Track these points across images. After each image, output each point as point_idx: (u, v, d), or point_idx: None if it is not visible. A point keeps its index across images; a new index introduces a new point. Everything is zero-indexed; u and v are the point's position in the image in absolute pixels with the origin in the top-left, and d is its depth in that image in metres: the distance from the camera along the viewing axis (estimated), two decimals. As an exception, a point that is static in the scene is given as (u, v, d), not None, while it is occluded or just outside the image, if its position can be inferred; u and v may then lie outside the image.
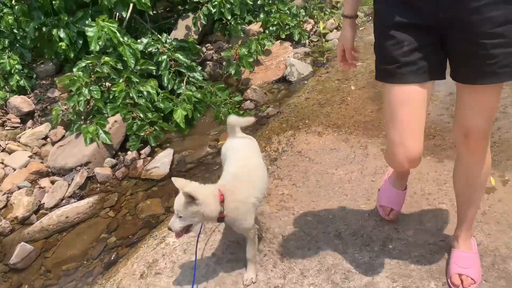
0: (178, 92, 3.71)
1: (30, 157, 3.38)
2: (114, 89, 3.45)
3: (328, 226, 2.14)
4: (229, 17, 4.33)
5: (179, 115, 3.42)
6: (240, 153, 2.00)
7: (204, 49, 4.52)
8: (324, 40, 4.61)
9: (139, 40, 3.79)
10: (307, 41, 4.64)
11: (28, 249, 2.52)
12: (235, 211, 1.74)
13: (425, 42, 1.38)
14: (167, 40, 3.91)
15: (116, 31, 3.51)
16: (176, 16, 4.70)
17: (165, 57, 3.76)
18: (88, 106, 3.50)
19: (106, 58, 3.50)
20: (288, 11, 4.63)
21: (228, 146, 2.09)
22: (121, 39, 3.53)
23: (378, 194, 2.17)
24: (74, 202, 2.89)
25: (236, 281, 1.92)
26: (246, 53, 4.02)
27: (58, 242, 2.60)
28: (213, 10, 4.28)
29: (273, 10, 4.58)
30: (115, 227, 2.64)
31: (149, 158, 3.26)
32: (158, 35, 3.98)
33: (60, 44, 3.84)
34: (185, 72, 3.82)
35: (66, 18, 3.82)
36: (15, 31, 4.18)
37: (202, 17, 4.34)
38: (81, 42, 3.92)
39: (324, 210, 2.25)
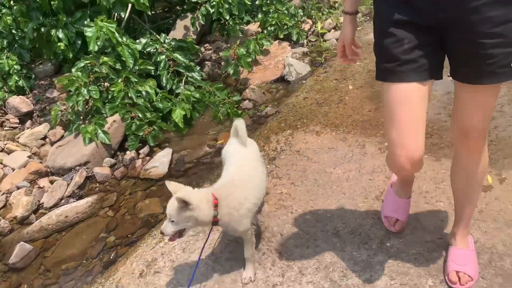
0: (177, 92, 3.72)
1: (29, 157, 3.38)
2: (112, 89, 3.46)
3: (326, 225, 2.15)
4: (227, 17, 4.35)
5: (177, 115, 3.43)
6: (239, 157, 1.99)
7: (202, 49, 4.53)
8: (322, 40, 4.63)
9: (137, 40, 3.80)
10: (305, 41, 4.66)
11: (27, 248, 2.53)
12: (228, 216, 1.73)
13: (425, 41, 1.38)
14: (166, 40, 3.92)
15: (114, 31, 3.51)
16: (175, 16, 4.71)
17: (163, 57, 3.77)
18: (87, 106, 3.50)
19: (105, 58, 3.51)
20: (286, 11, 4.65)
21: (228, 148, 2.09)
22: (119, 39, 3.54)
23: (382, 205, 2.12)
24: (73, 201, 2.90)
25: (235, 280, 1.93)
26: (245, 53, 4.03)
27: (57, 242, 2.61)
28: (212, 10, 4.30)
29: (271, 10, 4.59)
30: (114, 226, 2.65)
31: (148, 157, 3.27)
32: (157, 35, 3.99)
33: (58, 44, 3.85)
34: (183, 72, 3.83)
35: (64, 19, 3.82)
36: (13, 31, 4.18)
37: (200, 17, 4.35)
38: (79, 42, 3.92)
39: (322, 209, 2.26)
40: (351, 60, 1.67)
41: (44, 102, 4.10)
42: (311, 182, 2.48)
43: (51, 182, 3.11)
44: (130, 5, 3.93)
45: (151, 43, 3.83)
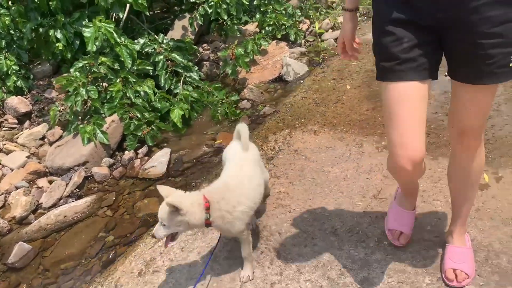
0: (175, 92, 3.73)
1: (28, 157, 3.39)
2: (111, 89, 3.46)
3: (324, 223, 2.16)
4: (225, 17, 4.36)
5: (176, 115, 3.44)
6: (237, 159, 1.98)
7: (200, 49, 4.54)
8: (319, 40, 4.64)
9: (136, 41, 3.81)
10: (303, 41, 4.67)
11: (26, 248, 2.53)
12: (221, 219, 1.73)
13: (424, 40, 1.38)
14: (164, 40, 3.93)
15: (113, 32, 3.52)
16: (173, 17, 4.73)
17: (162, 57, 3.78)
18: (85, 106, 3.51)
19: (103, 59, 3.52)
20: (284, 11, 4.66)
21: (228, 150, 2.09)
22: (118, 40, 3.54)
23: (385, 218, 2.06)
24: (72, 201, 2.90)
25: (234, 278, 1.94)
26: (243, 53, 4.04)
27: (56, 241, 2.61)
28: (210, 11, 4.31)
29: (269, 10, 4.61)
30: (113, 226, 2.66)
31: (146, 157, 3.28)
32: (155, 36, 4.00)
33: (57, 44, 3.86)
34: (182, 72, 3.84)
35: (63, 19, 3.83)
36: (12, 32, 4.19)
37: (198, 17, 4.36)
38: (78, 42, 3.93)
39: (320, 208, 2.27)
40: (351, 56, 1.68)
41: (43, 103, 4.10)
42: (309, 181, 2.50)
43: (50, 182, 3.12)
44: (128, 5, 3.94)
45: (149, 43, 3.84)
